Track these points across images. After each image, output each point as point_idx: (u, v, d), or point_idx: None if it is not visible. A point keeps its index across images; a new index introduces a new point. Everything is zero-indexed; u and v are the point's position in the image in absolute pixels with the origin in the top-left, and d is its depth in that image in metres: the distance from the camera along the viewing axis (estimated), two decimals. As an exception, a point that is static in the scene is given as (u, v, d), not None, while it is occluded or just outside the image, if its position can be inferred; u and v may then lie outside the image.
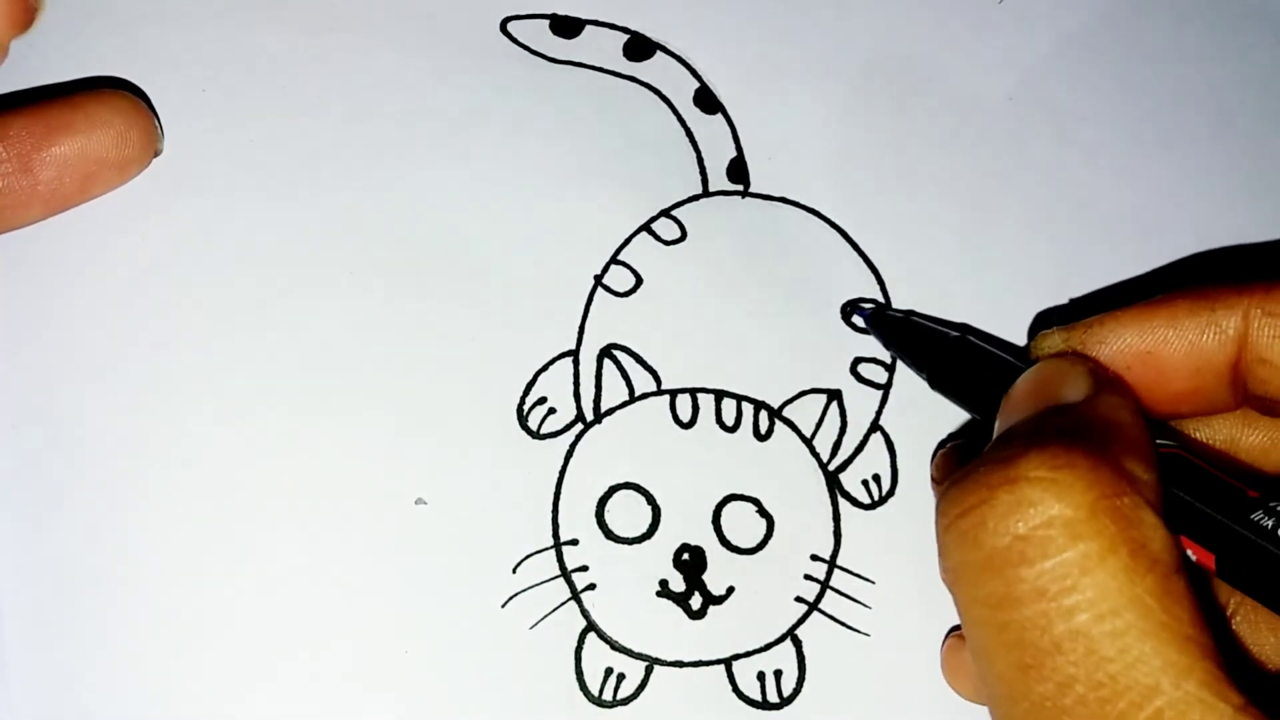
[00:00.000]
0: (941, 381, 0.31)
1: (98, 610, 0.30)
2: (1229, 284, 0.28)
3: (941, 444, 0.33)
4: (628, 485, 0.33)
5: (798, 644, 0.32)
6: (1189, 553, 0.26)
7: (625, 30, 0.37)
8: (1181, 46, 0.38)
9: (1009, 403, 0.28)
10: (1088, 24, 0.38)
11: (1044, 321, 0.35)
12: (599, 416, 0.33)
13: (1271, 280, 0.28)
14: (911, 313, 0.34)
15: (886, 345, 0.33)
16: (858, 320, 0.34)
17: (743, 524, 0.33)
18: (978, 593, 0.24)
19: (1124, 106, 0.38)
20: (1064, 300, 0.35)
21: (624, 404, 0.33)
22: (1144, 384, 0.28)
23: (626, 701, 0.31)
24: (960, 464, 0.31)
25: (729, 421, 0.33)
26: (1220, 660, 0.22)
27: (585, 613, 0.32)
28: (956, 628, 0.32)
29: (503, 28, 0.36)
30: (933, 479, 0.33)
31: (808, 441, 0.33)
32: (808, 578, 0.32)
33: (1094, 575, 0.22)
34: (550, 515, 0.32)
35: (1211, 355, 0.28)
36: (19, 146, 0.31)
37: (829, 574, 0.32)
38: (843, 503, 0.33)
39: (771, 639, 0.32)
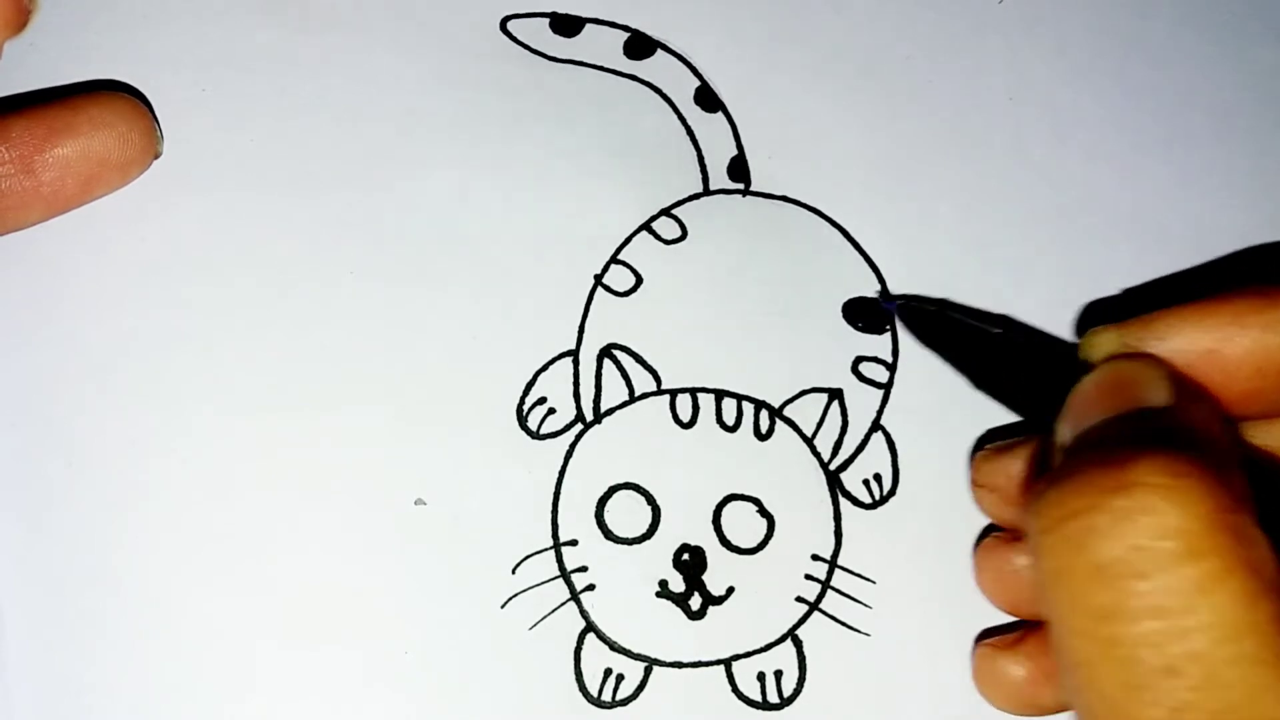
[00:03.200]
0: (986, 381, 0.30)
1: (97, 610, 0.30)
2: None
3: (978, 445, 0.33)
4: (627, 485, 0.33)
5: (798, 644, 0.32)
6: None
7: (625, 28, 0.37)
8: (1181, 46, 0.38)
9: (1077, 403, 0.26)
10: (1088, 24, 0.38)
11: (1092, 315, 0.34)
12: (599, 416, 0.33)
13: None
14: (946, 302, 0.33)
15: (922, 342, 0.32)
16: (871, 301, 0.34)
17: (743, 524, 0.32)
18: (1082, 602, 0.22)
19: (1124, 106, 0.38)
20: (1064, 300, 0.35)
21: (624, 404, 0.33)
22: (1205, 385, 0.27)
23: (626, 702, 0.31)
24: (1007, 465, 0.30)
25: (729, 421, 0.33)
26: None
27: (584, 613, 0.32)
28: (982, 634, 0.32)
29: (502, 27, 0.36)
30: (974, 481, 0.31)
31: (808, 441, 0.33)
32: (808, 578, 0.32)
33: (1213, 596, 0.21)
34: (550, 515, 0.32)
35: (1276, 352, 0.27)
36: (21, 148, 0.31)
37: (830, 574, 0.32)
38: (843, 502, 0.33)
39: (772, 639, 0.32)
